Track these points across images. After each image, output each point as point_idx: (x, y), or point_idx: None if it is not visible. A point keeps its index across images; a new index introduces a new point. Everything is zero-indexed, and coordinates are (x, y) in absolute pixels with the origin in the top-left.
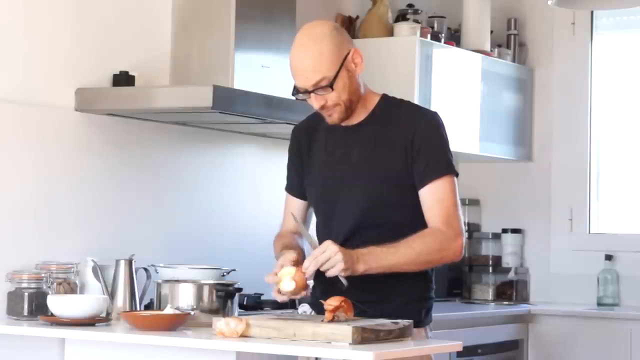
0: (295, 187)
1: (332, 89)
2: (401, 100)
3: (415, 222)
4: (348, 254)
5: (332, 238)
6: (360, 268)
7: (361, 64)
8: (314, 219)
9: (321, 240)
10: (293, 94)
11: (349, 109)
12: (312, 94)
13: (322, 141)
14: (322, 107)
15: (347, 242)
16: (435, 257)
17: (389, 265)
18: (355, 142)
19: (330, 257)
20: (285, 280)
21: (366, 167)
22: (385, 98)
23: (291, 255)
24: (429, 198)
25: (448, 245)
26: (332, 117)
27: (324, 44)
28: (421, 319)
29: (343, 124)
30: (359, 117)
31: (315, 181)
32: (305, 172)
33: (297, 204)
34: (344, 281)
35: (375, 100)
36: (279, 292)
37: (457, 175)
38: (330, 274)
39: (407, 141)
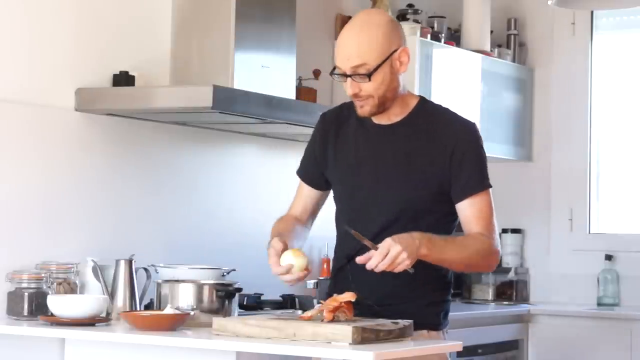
0: (309, 174)
1: (369, 79)
2: (440, 106)
3: (439, 230)
4: (410, 244)
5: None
6: (423, 252)
7: (406, 64)
8: (323, 209)
9: (342, 237)
10: (331, 73)
11: (382, 105)
12: (348, 79)
13: (352, 136)
14: (355, 96)
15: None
16: (481, 262)
17: (445, 258)
18: (390, 141)
19: (395, 257)
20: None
21: (401, 169)
22: (423, 101)
23: (278, 244)
24: (470, 211)
25: (490, 256)
26: (364, 108)
27: (377, 32)
28: (440, 322)
29: (377, 122)
30: (395, 117)
31: (344, 178)
32: (329, 162)
33: (310, 193)
34: (410, 270)
35: (413, 102)
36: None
37: (491, 186)
38: (397, 270)
39: (448, 151)
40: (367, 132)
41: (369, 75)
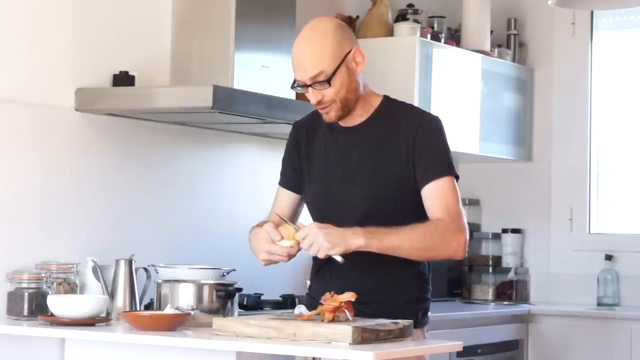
0: (288, 179)
1: (330, 85)
2: (403, 103)
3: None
4: (336, 231)
5: None
6: (357, 243)
7: (362, 64)
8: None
9: None
10: (292, 87)
11: (346, 108)
12: (309, 88)
13: (322, 140)
14: (319, 103)
15: None
16: (438, 247)
17: (391, 246)
18: (355, 142)
19: (313, 242)
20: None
21: (366, 169)
22: (387, 100)
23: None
24: (431, 195)
25: (451, 237)
26: (329, 114)
27: (326, 39)
28: (418, 320)
29: (343, 124)
30: (359, 117)
31: (314, 181)
32: (304, 168)
33: (289, 197)
34: (338, 258)
35: (376, 101)
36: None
37: (457, 177)
38: (319, 256)
39: (409, 143)
40: (335, 136)
41: (328, 81)
